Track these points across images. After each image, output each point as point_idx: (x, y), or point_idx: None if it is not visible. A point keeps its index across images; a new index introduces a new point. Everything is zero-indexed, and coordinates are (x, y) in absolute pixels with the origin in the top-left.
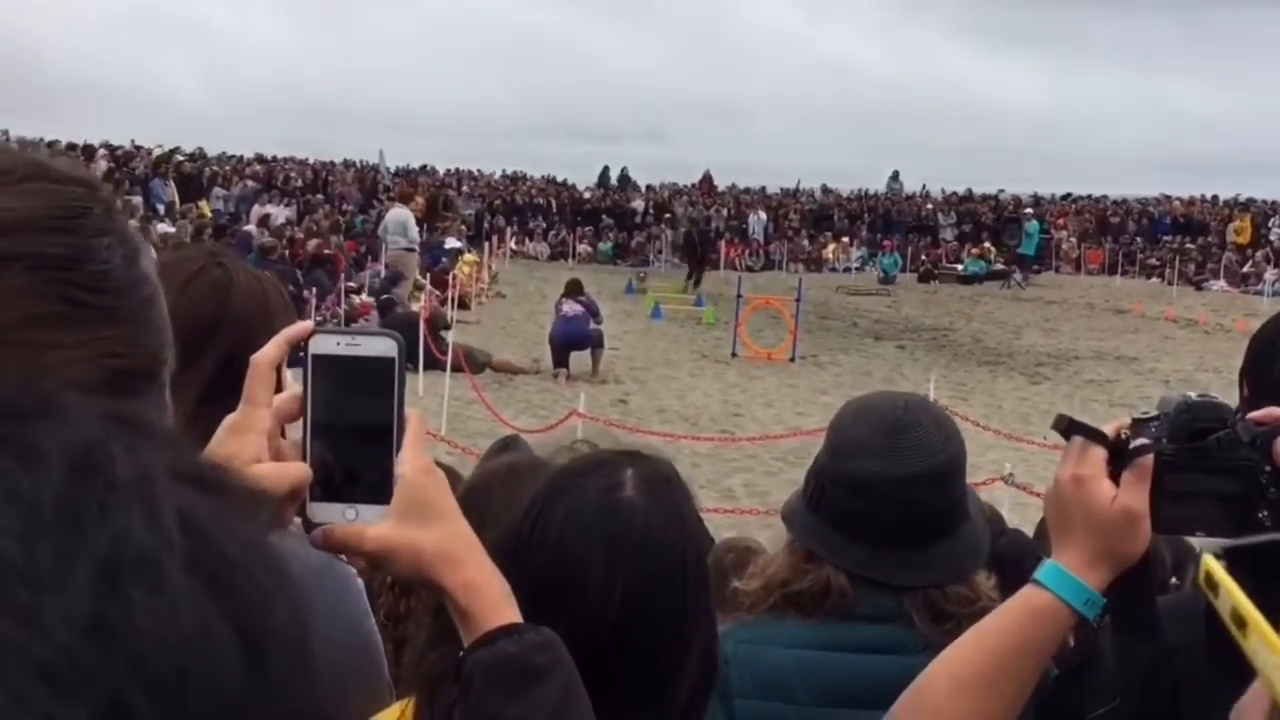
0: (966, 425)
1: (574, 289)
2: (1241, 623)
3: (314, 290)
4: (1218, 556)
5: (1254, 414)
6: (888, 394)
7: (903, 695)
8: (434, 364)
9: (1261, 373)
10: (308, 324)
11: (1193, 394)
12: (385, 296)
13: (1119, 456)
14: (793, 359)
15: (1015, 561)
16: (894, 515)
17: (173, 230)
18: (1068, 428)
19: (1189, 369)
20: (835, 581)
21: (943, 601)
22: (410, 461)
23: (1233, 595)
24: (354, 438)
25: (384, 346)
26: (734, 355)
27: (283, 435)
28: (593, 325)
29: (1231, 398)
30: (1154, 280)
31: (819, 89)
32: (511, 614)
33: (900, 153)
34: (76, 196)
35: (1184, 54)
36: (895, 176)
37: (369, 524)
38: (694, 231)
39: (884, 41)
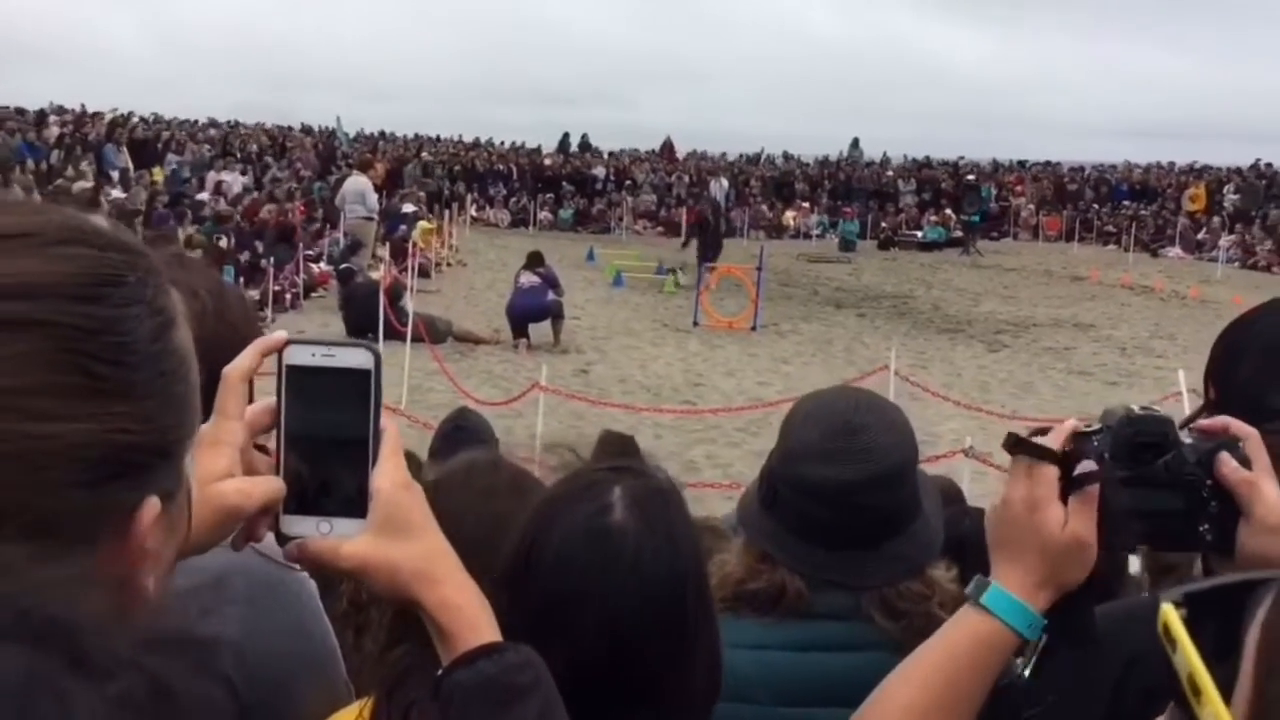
0: (926, 395)
1: (534, 260)
2: (1196, 691)
3: (272, 260)
4: (1177, 604)
5: (1202, 423)
6: (840, 393)
7: None
8: (394, 334)
9: (1226, 377)
10: (282, 334)
11: (1135, 406)
12: (344, 266)
13: (1066, 475)
14: (754, 328)
15: (979, 545)
16: (845, 518)
17: (125, 196)
18: (1015, 446)
19: (1144, 335)
20: (790, 583)
21: (897, 599)
22: (387, 475)
23: (1190, 661)
24: (329, 450)
25: (360, 358)
26: (695, 324)
27: (256, 448)
28: (551, 296)
29: (1185, 361)
30: (1111, 247)
31: (781, 53)
32: (490, 632)
33: (861, 116)
34: (110, 263)
35: (1143, 20)
36: (855, 144)
37: (345, 538)
38: (708, 212)
39: (847, 5)
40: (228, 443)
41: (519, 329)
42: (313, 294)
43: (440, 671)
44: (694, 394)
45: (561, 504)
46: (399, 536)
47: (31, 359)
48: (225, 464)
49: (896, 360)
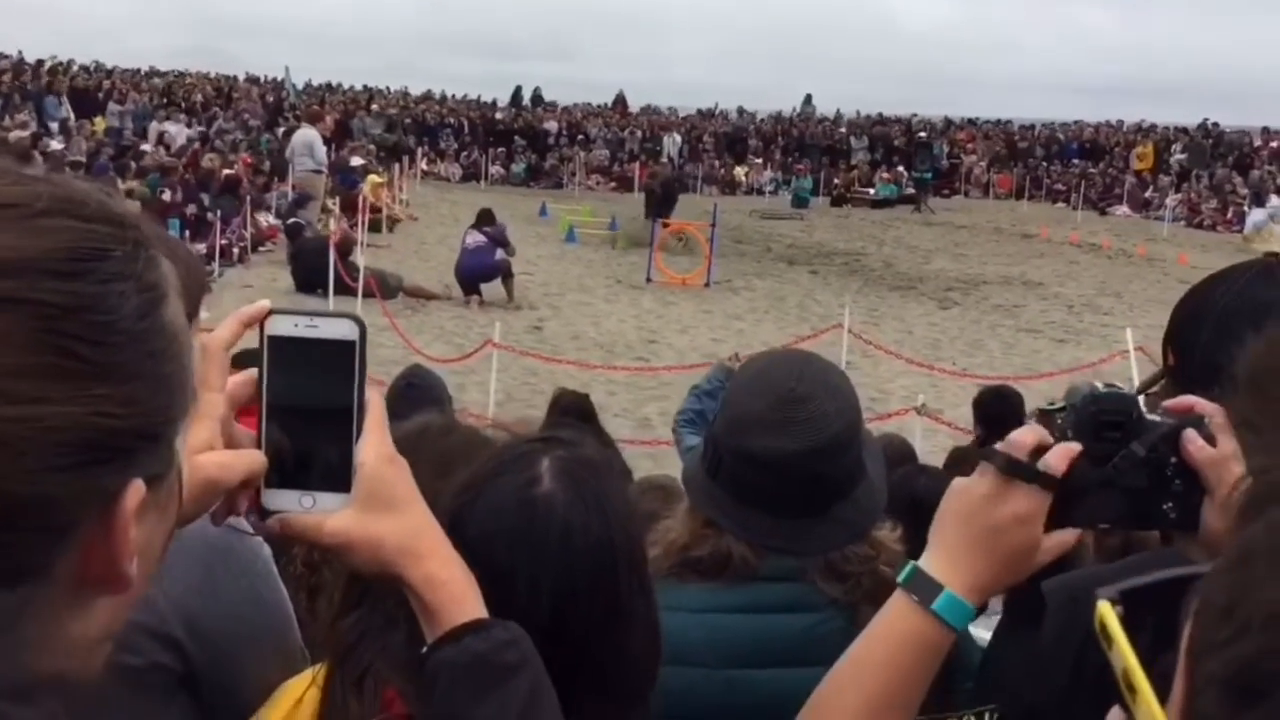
0: (878, 353)
1: (483, 219)
2: (1131, 688)
3: (218, 214)
4: (1114, 602)
5: (1168, 403)
6: (783, 359)
7: None
8: (344, 289)
9: (1185, 343)
10: (264, 304)
11: (1099, 384)
12: (293, 220)
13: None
14: (708, 284)
15: (933, 505)
16: (790, 487)
17: (64, 147)
18: (1008, 467)
19: (1092, 293)
20: (736, 549)
21: (842, 562)
22: (372, 449)
23: (1125, 657)
24: (312, 423)
25: (344, 329)
26: (649, 280)
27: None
28: (499, 255)
29: (1132, 319)
30: (1060, 205)
31: (734, 7)
32: (476, 609)
33: (814, 72)
34: (97, 237)
35: None
36: (808, 100)
37: (328, 512)
38: (656, 186)
39: None
40: (208, 415)
41: (469, 289)
42: (260, 248)
43: (425, 648)
44: (648, 351)
45: (488, 477)
46: (383, 511)
47: (7, 339)
48: (205, 436)
49: (850, 318)
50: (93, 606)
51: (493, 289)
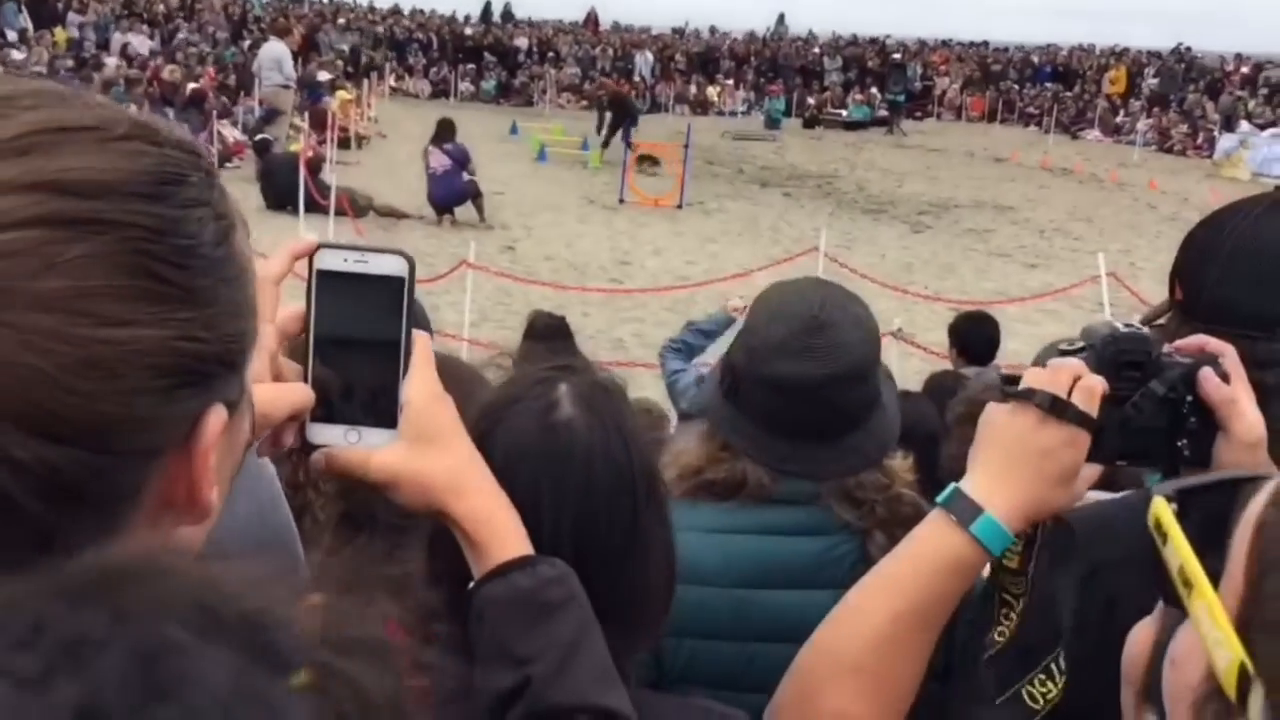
0: (852, 276)
1: (443, 131)
2: (1188, 584)
3: (185, 128)
4: (1169, 498)
5: (1179, 343)
6: (806, 287)
7: (811, 647)
8: (315, 208)
9: (1192, 279)
10: (313, 239)
11: (1119, 324)
12: (261, 136)
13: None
14: (680, 206)
15: (913, 436)
16: (810, 413)
17: (25, 57)
18: (1053, 407)
19: (1063, 218)
20: (752, 472)
21: (857, 489)
22: (418, 386)
23: (1182, 553)
24: (359, 359)
25: (394, 265)
26: (622, 201)
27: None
28: (465, 177)
29: (1103, 244)
30: (1032, 128)
31: None
32: (522, 545)
33: None
34: (175, 161)
35: None
36: (781, 19)
37: (373, 448)
38: (604, 99)
39: None
40: (258, 346)
41: (441, 212)
42: (227, 164)
43: (471, 584)
44: (621, 272)
45: (507, 404)
46: (430, 448)
47: (99, 260)
48: (255, 368)
49: (825, 242)
50: (169, 534)
51: (464, 209)
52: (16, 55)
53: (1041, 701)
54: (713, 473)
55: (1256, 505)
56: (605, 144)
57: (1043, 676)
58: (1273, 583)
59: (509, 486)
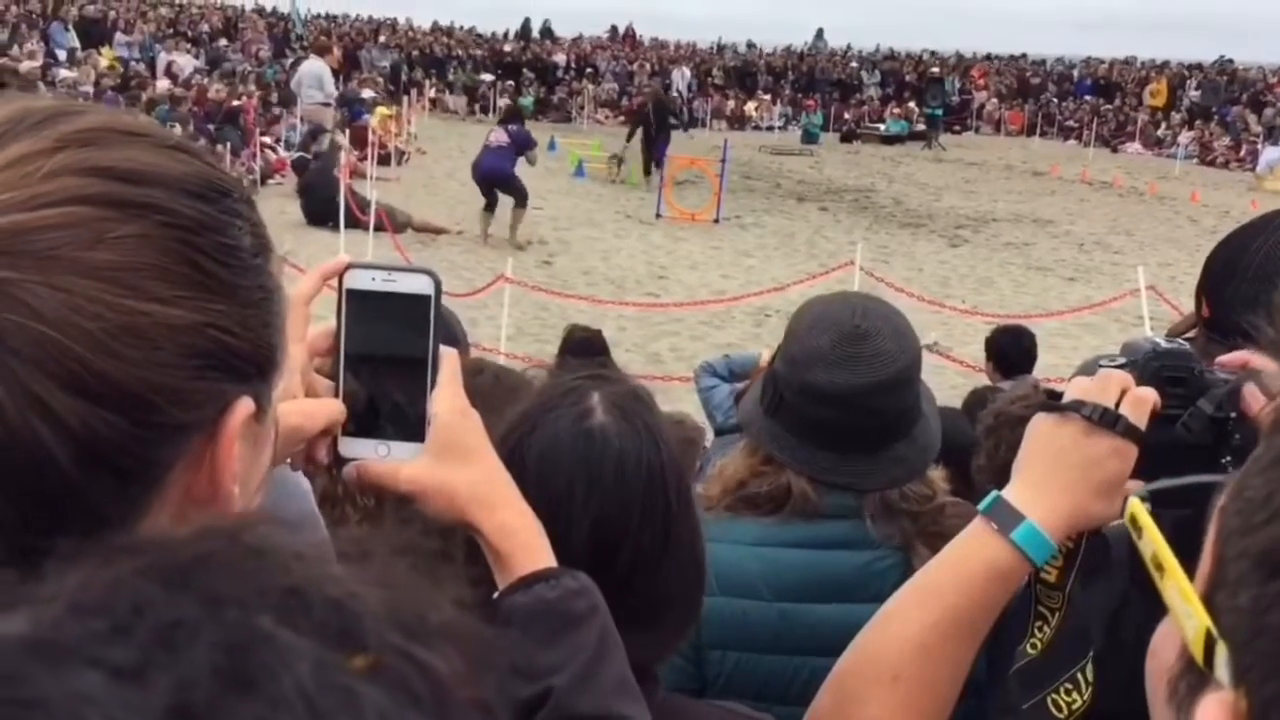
0: (888, 290)
1: (509, 115)
2: (1160, 567)
3: (227, 146)
4: (1143, 498)
5: (1223, 359)
6: (845, 298)
7: (850, 655)
8: (355, 224)
9: (1220, 292)
10: (344, 258)
11: (1161, 340)
12: (300, 154)
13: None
14: (717, 220)
15: (949, 450)
16: (853, 423)
17: (75, 75)
18: (1102, 418)
19: (1102, 231)
20: (796, 485)
21: (900, 501)
22: (445, 401)
23: (1154, 540)
24: (388, 374)
25: (421, 284)
26: (658, 216)
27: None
28: (518, 163)
29: (1142, 257)
30: (1071, 142)
31: None
32: (546, 558)
33: (826, 4)
34: (219, 177)
35: None
36: (820, 34)
37: (402, 462)
38: (649, 105)
39: None
40: (290, 365)
41: (486, 193)
42: (269, 181)
43: (496, 595)
44: (657, 287)
45: (541, 411)
46: (457, 461)
47: (146, 241)
48: (288, 385)
49: (861, 256)
50: None
51: (499, 224)
52: (65, 74)
53: (1066, 711)
54: (756, 485)
55: (1220, 499)
56: (648, 165)
57: (1069, 686)
58: (1232, 547)
59: (544, 491)
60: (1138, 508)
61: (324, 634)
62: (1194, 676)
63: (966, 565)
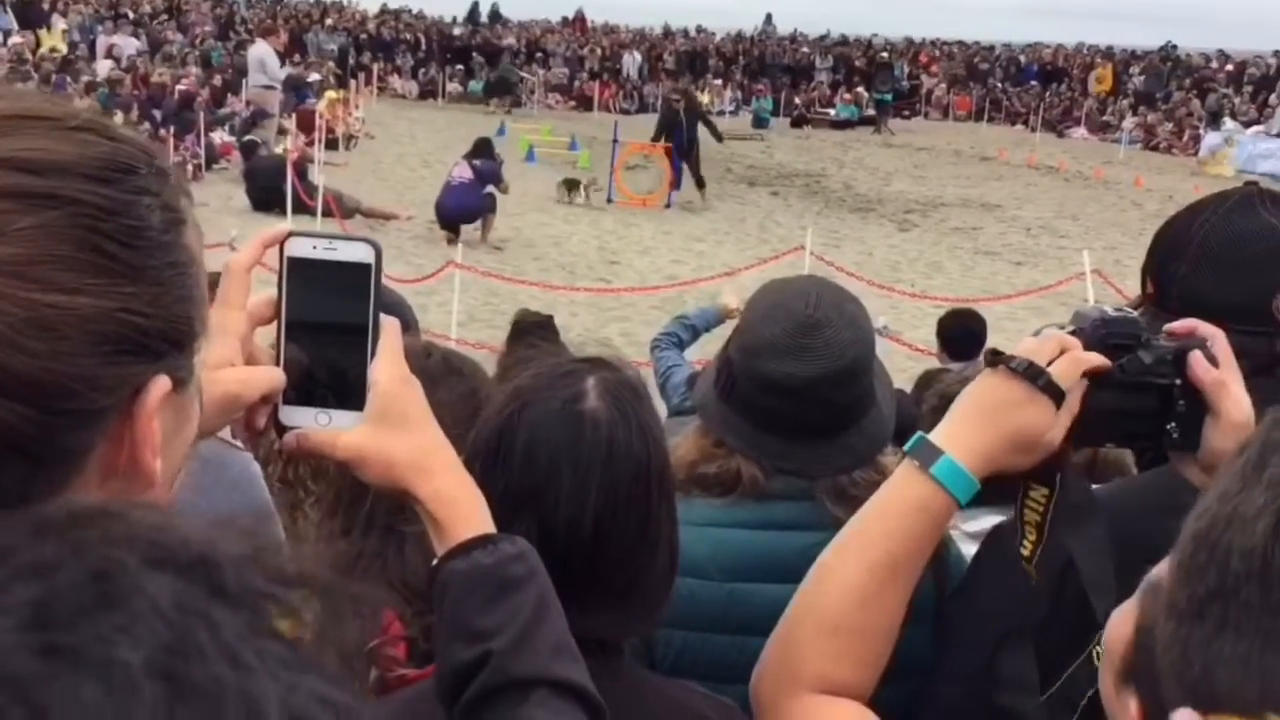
0: (839, 275)
1: (477, 149)
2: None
3: (171, 130)
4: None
5: (1172, 325)
6: (800, 285)
7: (791, 611)
8: (302, 209)
9: (1165, 272)
10: (284, 227)
11: (1109, 309)
12: (249, 138)
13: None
14: (668, 205)
15: (897, 431)
16: (803, 412)
17: (16, 56)
18: (1026, 370)
19: (1049, 215)
20: (746, 469)
21: (850, 486)
22: (385, 369)
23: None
24: (329, 343)
25: (361, 252)
26: (609, 201)
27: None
28: (486, 190)
29: (1088, 242)
30: (1018, 127)
31: None
32: (485, 524)
33: None
34: (126, 153)
35: None
36: (769, 19)
37: (342, 430)
38: (680, 107)
39: None
40: (230, 331)
41: (449, 228)
42: (214, 165)
43: (435, 561)
44: (609, 272)
45: (535, 391)
46: (396, 429)
47: (49, 232)
48: (227, 353)
49: (811, 241)
50: None
51: (468, 229)
52: (16, 40)
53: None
54: (706, 468)
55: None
56: (677, 177)
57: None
58: (1175, 576)
59: (528, 468)
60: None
61: (186, 575)
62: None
63: (894, 505)
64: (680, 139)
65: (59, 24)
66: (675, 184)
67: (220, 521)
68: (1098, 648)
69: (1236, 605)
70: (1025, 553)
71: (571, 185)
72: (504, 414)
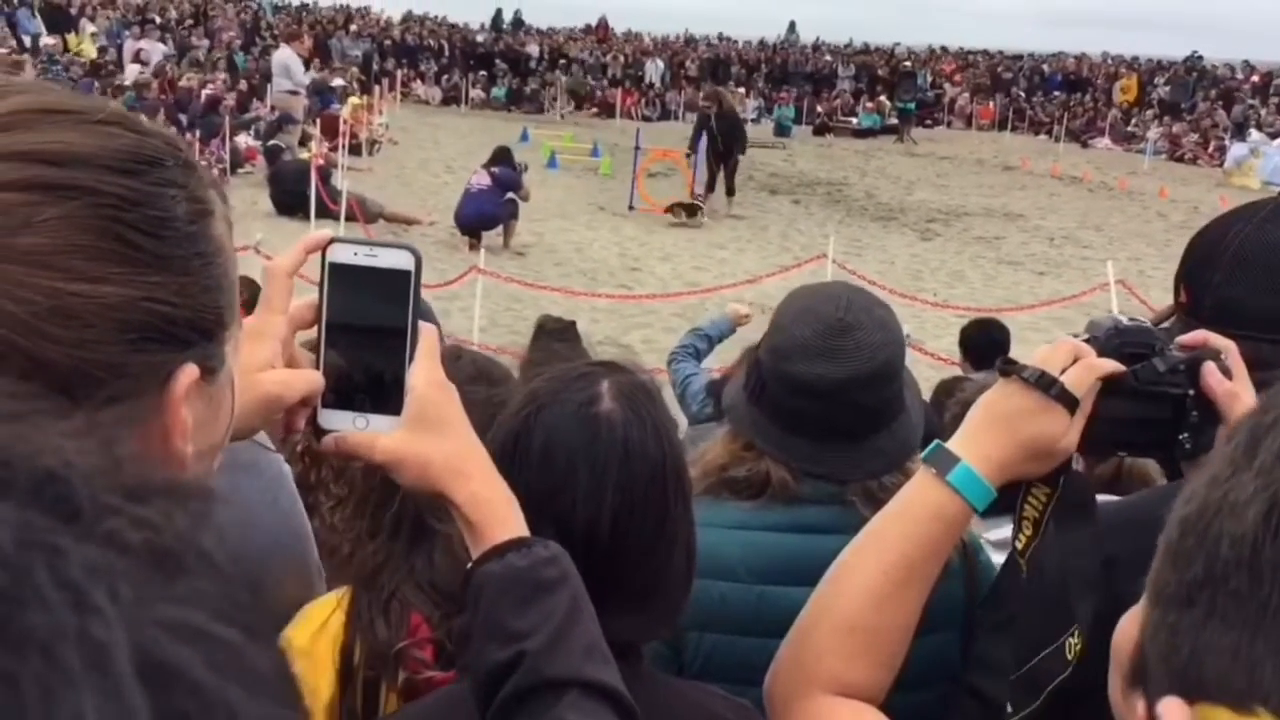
0: (861, 283)
1: (496, 157)
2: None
3: (196, 134)
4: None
5: (1182, 338)
6: (831, 289)
7: (807, 611)
8: (326, 213)
9: (1198, 281)
10: (326, 233)
11: (1124, 318)
12: (273, 142)
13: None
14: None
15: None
16: (833, 414)
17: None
18: (1039, 380)
19: (1072, 226)
20: (776, 473)
21: (879, 491)
22: (423, 374)
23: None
24: (368, 348)
25: (401, 259)
26: (631, 208)
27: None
28: (506, 197)
29: (1112, 252)
30: (1042, 137)
31: None
32: (518, 528)
33: None
34: (151, 146)
35: None
36: (792, 27)
37: (379, 433)
38: (712, 111)
39: None
40: (271, 335)
41: (469, 234)
42: (239, 170)
43: (470, 564)
44: (630, 278)
45: (551, 394)
46: (432, 433)
47: (71, 222)
48: (267, 355)
49: (834, 249)
50: None
51: (490, 234)
52: (47, 40)
53: (1072, 654)
54: (735, 470)
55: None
56: (713, 181)
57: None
58: (1157, 561)
59: (545, 470)
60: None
61: (30, 498)
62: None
63: (911, 511)
64: (714, 144)
65: (88, 29)
66: (710, 187)
67: (75, 429)
68: (1070, 639)
69: (1225, 594)
70: (1019, 546)
71: (690, 210)
72: (519, 417)
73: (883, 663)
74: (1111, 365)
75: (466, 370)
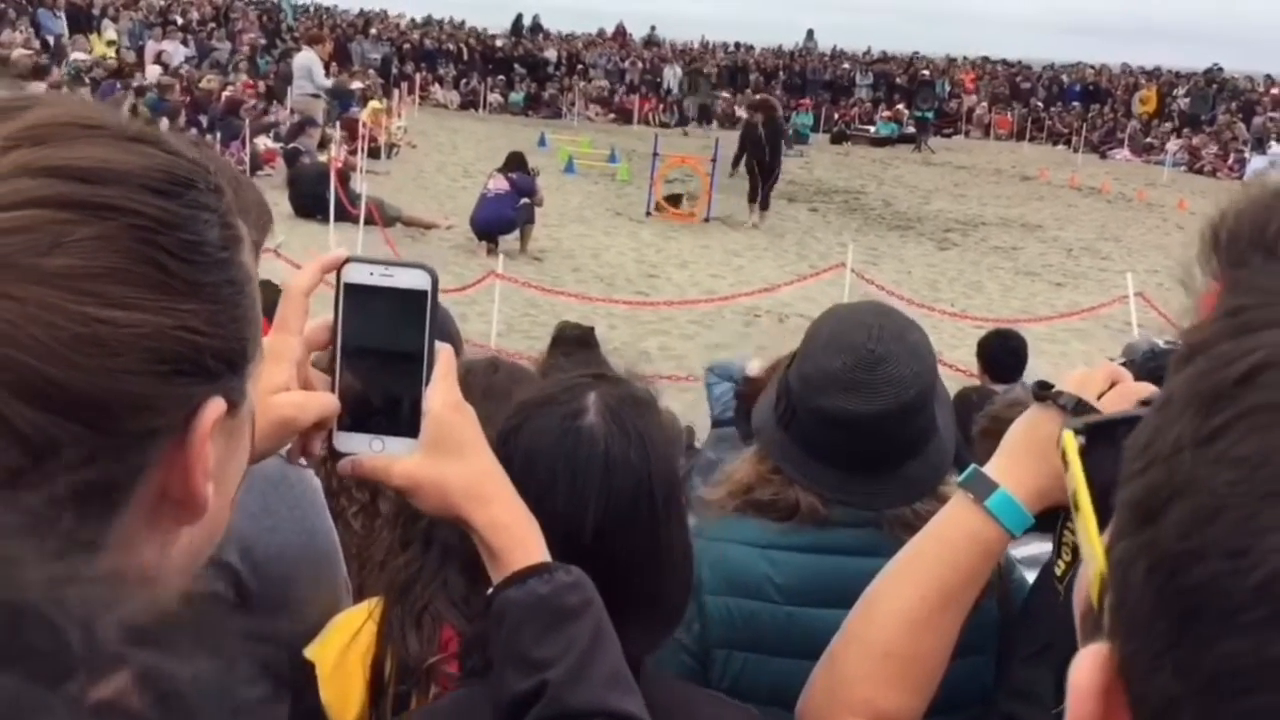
0: (878, 292)
1: (510, 162)
2: (1077, 508)
3: (216, 136)
4: (1078, 432)
5: None
6: (863, 315)
7: (841, 636)
8: (344, 217)
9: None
10: (342, 252)
11: (1160, 341)
12: (292, 146)
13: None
14: (707, 219)
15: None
16: (865, 446)
17: (86, 58)
18: (1075, 407)
19: (1091, 237)
20: (805, 499)
21: (913, 518)
22: (440, 396)
23: (1075, 477)
24: (384, 370)
25: (418, 279)
26: (648, 214)
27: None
28: (522, 202)
29: (1130, 264)
30: (1060, 147)
31: None
32: (539, 552)
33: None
34: (184, 168)
35: None
36: (810, 35)
37: (396, 456)
38: (760, 121)
39: None
40: (286, 357)
41: (484, 239)
42: (259, 172)
43: (491, 589)
44: (647, 285)
45: (537, 405)
46: (450, 456)
47: (106, 244)
48: (283, 377)
49: (852, 258)
50: (171, 535)
51: (507, 239)
52: (79, 56)
53: None
54: (762, 492)
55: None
56: (754, 193)
57: None
58: (1119, 493)
59: (528, 481)
60: (1069, 442)
61: (19, 659)
62: (1094, 621)
63: (947, 535)
64: (760, 156)
65: (109, 29)
66: (752, 198)
67: (65, 577)
68: None
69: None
70: (1058, 572)
71: (674, 200)
72: (506, 428)
73: (917, 689)
74: (1148, 390)
75: (502, 383)
